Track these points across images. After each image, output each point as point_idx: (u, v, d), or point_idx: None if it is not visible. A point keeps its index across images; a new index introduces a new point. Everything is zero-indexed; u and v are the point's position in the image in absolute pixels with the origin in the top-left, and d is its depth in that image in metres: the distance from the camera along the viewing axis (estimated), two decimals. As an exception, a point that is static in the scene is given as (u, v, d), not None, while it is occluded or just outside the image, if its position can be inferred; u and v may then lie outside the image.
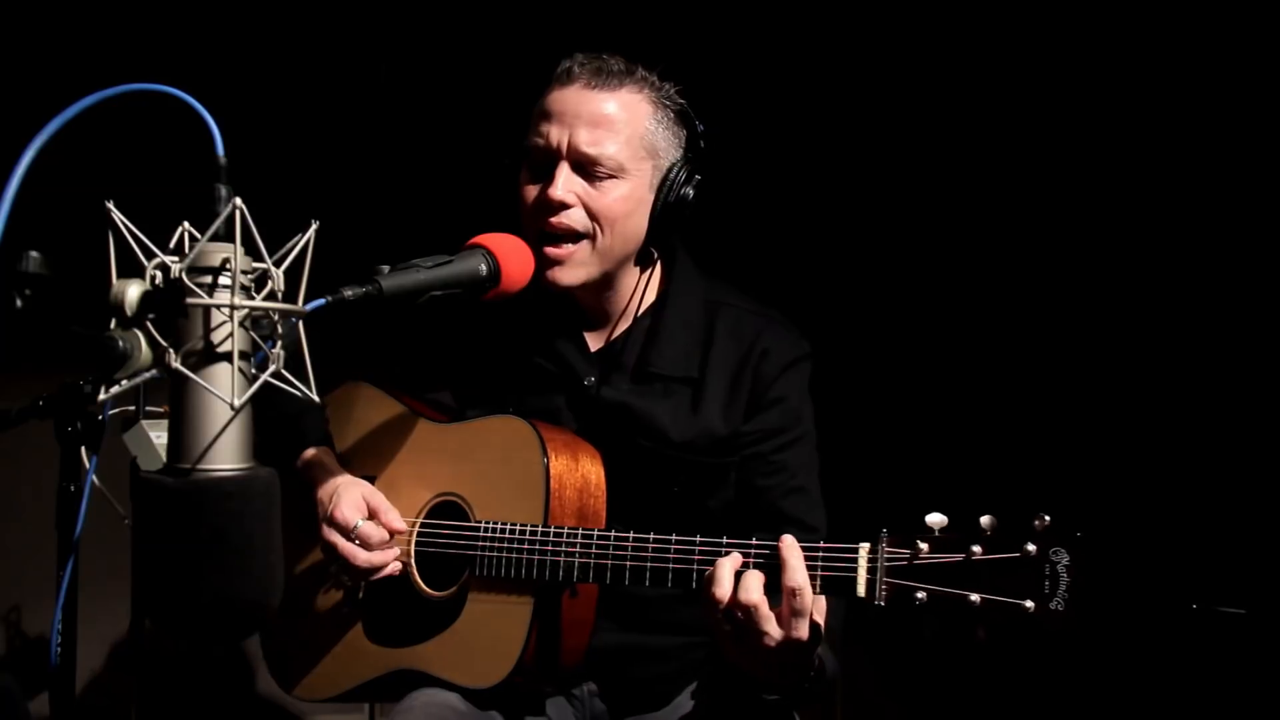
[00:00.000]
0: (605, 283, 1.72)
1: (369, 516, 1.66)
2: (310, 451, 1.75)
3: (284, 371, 0.97)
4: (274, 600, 1.01)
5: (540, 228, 1.64)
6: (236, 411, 0.95)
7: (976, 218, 2.71)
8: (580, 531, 1.58)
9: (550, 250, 1.64)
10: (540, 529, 1.59)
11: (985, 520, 1.33)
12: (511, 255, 1.52)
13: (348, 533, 1.63)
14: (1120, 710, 2.50)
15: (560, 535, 1.58)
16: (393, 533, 1.66)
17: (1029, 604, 1.30)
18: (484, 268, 1.49)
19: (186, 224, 1.00)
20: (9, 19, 2.53)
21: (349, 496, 1.66)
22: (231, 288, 0.94)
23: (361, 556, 1.64)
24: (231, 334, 0.94)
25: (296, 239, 1.00)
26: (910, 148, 2.75)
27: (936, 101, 2.71)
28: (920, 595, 1.35)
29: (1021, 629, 1.30)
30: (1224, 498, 2.38)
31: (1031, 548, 1.30)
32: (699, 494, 1.72)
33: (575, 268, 1.66)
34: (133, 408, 1.68)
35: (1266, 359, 2.37)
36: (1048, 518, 1.31)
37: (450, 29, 2.79)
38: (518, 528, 1.61)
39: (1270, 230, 2.38)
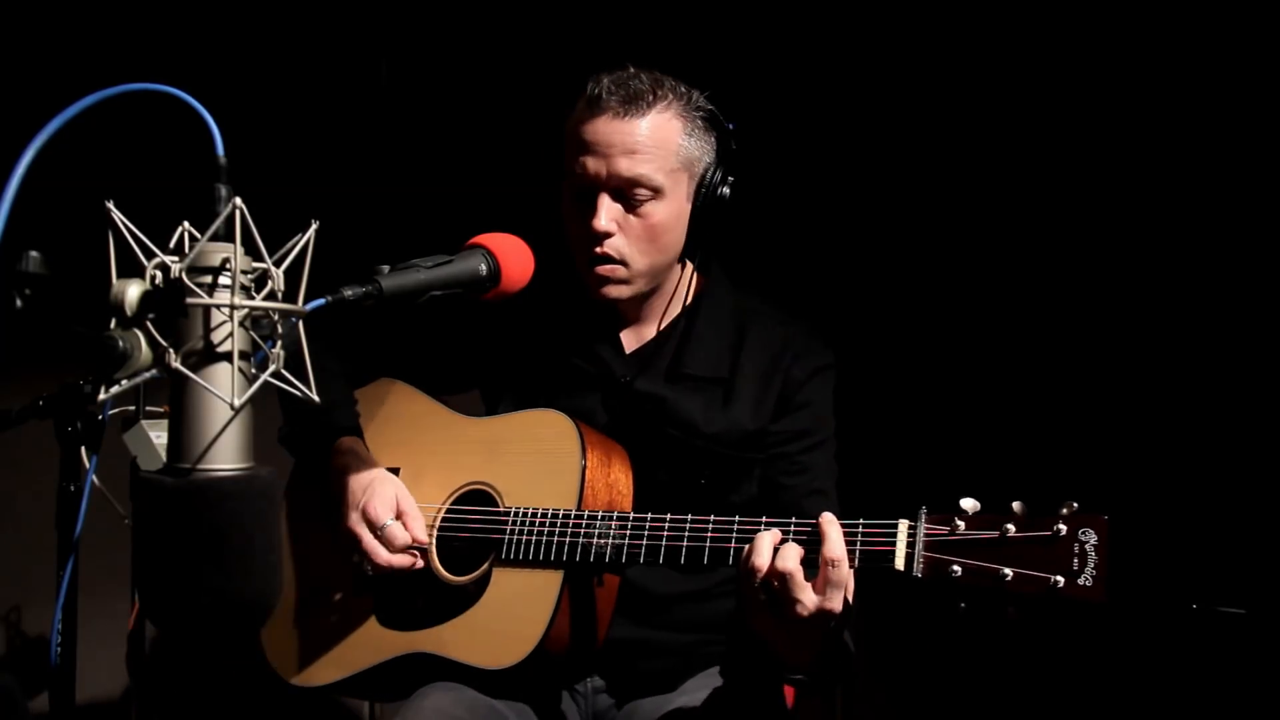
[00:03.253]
0: (648, 290, 1.78)
1: (398, 517, 1.68)
2: (346, 440, 1.78)
3: (284, 371, 0.97)
4: (274, 600, 1.00)
5: (587, 254, 1.71)
6: (236, 411, 0.95)
7: (1007, 214, 2.72)
8: (616, 514, 1.60)
9: (600, 270, 1.71)
10: (574, 512, 1.62)
11: (1016, 506, 1.40)
12: (511, 255, 1.52)
13: (375, 529, 1.67)
14: (1121, 710, 2.50)
15: (595, 517, 1.60)
16: (414, 540, 1.69)
17: (1059, 579, 1.34)
18: (484, 268, 1.49)
19: (186, 224, 1.00)
20: (9, 19, 2.53)
21: (383, 493, 1.69)
22: (231, 288, 0.94)
23: (383, 556, 1.67)
24: (231, 334, 0.94)
25: (296, 239, 1.00)
26: (932, 149, 2.76)
27: (960, 106, 2.72)
28: (956, 569, 1.39)
29: (1051, 605, 1.36)
30: (1225, 498, 2.38)
31: (1062, 528, 1.36)
32: (724, 487, 1.76)
33: (622, 285, 1.72)
34: (133, 408, 1.69)
35: (1266, 359, 2.37)
36: (1075, 505, 1.37)
37: (451, 28, 2.79)
38: (549, 511, 1.63)
39: (1273, 230, 2.39)
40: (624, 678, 1.77)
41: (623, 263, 1.70)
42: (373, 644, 1.75)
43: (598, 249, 1.69)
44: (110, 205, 0.97)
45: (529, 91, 1.72)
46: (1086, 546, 1.35)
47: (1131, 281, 2.58)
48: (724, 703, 1.71)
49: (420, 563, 1.70)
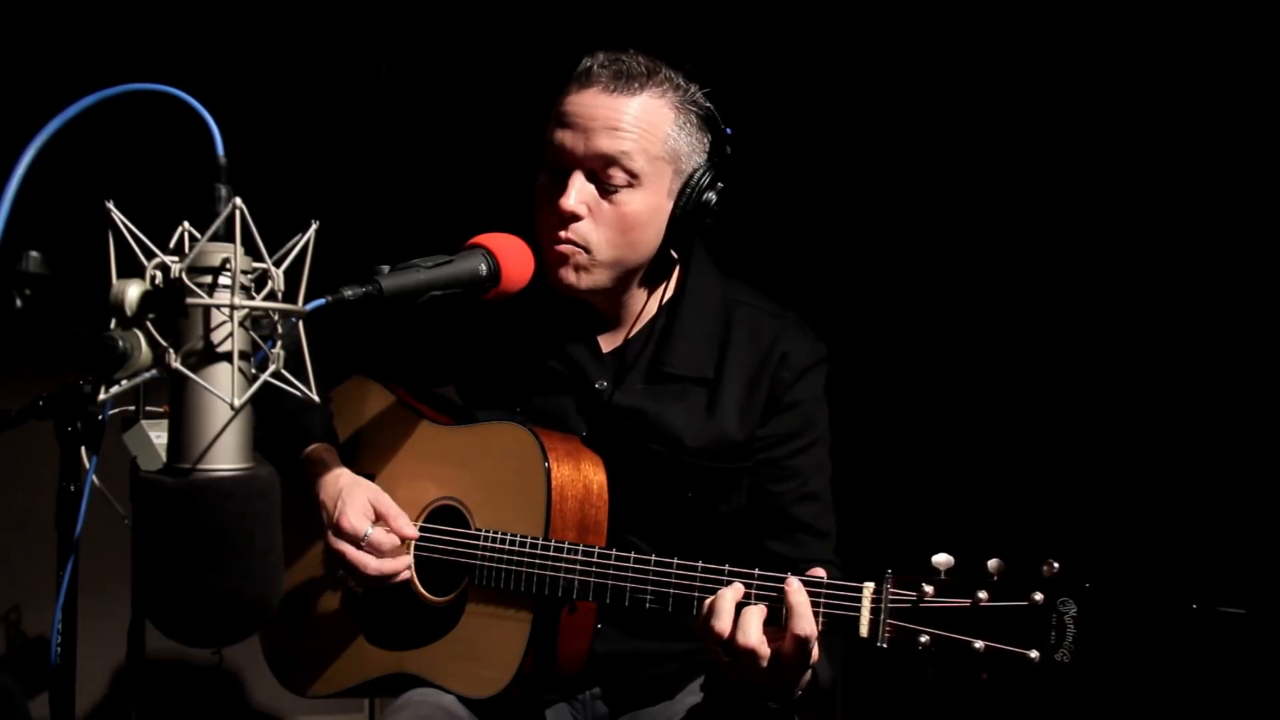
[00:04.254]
0: (619, 287, 1.68)
1: (376, 521, 1.63)
2: (313, 448, 1.73)
3: (284, 371, 0.97)
4: (274, 600, 1.01)
5: (552, 235, 1.61)
6: (236, 411, 0.95)
7: (993, 226, 2.71)
8: (581, 549, 1.55)
9: (559, 249, 1.61)
10: (540, 543, 1.57)
11: (993, 564, 1.32)
12: (511, 255, 1.52)
13: (357, 541, 1.61)
14: (1120, 710, 2.50)
15: (560, 550, 1.56)
16: (403, 538, 1.64)
17: (1034, 654, 1.28)
18: (484, 268, 1.49)
19: (186, 224, 1.00)
20: (9, 19, 2.53)
21: (355, 501, 1.62)
22: (231, 288, 0.94)
23: (373, 565, 1.61)
24: (231, 334, 0.94)
25: (296, 239, 1.00)
26: (937, 163, 2.75)
27: (970, 110, 2.70)
28: (924, 639, 1.32)
29: (1025, 678, 1.29)
30: (1224, 498, 2.38)
31: (1039, 597, 1.28)
32: (712, 499, 1.70)
33: (584, 275, 1.63)
34: (133, 408, 1.68)
35: (1266, 360, 2.37)
36: (1056, 565, 1.29)
37: (451, 28, 2.79)
38: (517, 540, 1.59)
39: (1266, 235, 2.39)
40: (621, 688, 1.75)
41: (585, 249, 1.60)
42: (362, 662, 1.75)
43: (562, 232, 1.59)
44: (110, 205, 0.97)
45: (529, 91, 1.72)
46: (1065, 618, 1.28)
47: (1129, 279, 2.57)
48: (727, 707, 1.68)
49: (410, 560, 1.66)
